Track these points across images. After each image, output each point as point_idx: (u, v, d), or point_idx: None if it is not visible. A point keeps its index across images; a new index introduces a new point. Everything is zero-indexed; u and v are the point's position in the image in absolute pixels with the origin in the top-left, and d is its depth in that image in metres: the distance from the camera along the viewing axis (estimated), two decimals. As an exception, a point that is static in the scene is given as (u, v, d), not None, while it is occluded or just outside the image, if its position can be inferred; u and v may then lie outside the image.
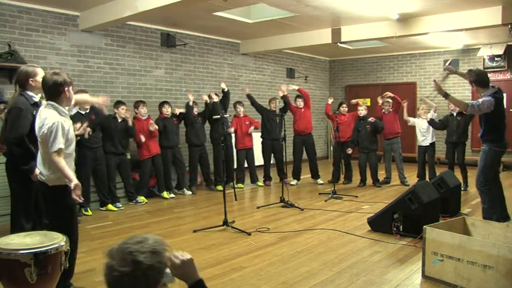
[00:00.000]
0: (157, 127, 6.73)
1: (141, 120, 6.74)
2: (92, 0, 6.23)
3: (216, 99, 7.38)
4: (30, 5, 6.27)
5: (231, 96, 7.92)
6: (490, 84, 4.70)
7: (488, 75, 4.99)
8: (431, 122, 7.31)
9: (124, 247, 1.45)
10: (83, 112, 5.79)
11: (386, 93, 7.91)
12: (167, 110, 7.03)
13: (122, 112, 6.34)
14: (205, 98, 7.45)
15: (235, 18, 7.55)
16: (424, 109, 7.72)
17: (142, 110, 6.76)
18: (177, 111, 7.22)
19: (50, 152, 2.89)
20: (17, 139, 3.43)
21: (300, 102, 8.04)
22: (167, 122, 6.99)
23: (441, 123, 7.36)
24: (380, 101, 8.06)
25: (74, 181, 2.92)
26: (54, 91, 2.95)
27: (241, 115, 7.86)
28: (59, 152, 2.90)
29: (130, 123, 6.43)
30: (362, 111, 7.79)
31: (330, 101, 8.28)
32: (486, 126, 4.69)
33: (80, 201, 3.00)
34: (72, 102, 3.24)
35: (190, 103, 7.18)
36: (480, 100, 4.55)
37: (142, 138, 6.61)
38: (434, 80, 5.00)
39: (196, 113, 7.39)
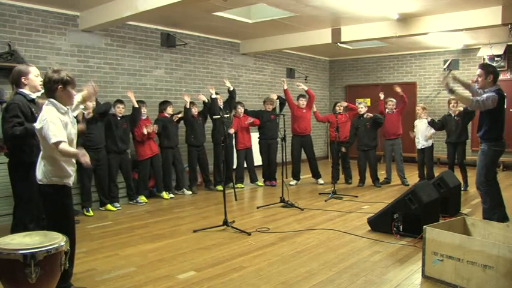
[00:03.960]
0: (152, 130, 6.65)
1: (141, 119, 6.73)
2: (92, 0, 6.23)
3: (214, 94, 7.32)
4: (30, 5, 6.27)
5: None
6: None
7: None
8: (431, 123, 7.33)
9: None
10: (86, 112, 5.72)
11: (396, 87, 7.83)
12: (171, 110, 7.05)
13: (120, 111, 6.34)
14: (202, 97, 7.43)
15: (235, 18, 7.55)
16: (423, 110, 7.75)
17: (142, 110, 6.76)
18: (175, 117, 7.16)
19: (49, 145, 2.88)
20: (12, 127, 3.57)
21: (303, 102, 8.04)
22: (167, 122, 6.99)
23: (440, 123, 7.38)
24: (381, 96, 7.95)
25: (78, 153, 2.91)
26: (49, 87, 2.98)
27: (241, 116, 7.86)
28: (58, 144, 2.86)
29: (135, 103, 6.42)
30: (362, 108, 7.77)
31: (315, 108, 8.20)
32: (486, 125, 4.68)
33: (88, 166, 3.07)
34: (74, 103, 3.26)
35: (187, 105, 7.16)
36: (485, 96, 4.55)
37: (145, 131, 6.57)
38: (444, 77, 5.07)
39: (196, 112, 7.38)
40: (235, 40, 9.61)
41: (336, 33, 8.37)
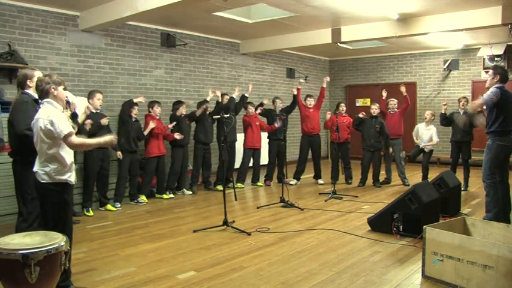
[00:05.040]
0: (182, 136, 6.92)
1: (154, 119, 6.75)
2: (92, 0, 6.23)
3: (235, 93, 7.60)
4: (30, 5, 6.27)
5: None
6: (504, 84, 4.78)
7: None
8: (442, 116, 7.29)
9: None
10: (95, 111, 5.67)
11: (402, 87, 8.03)
12: (184, 110, 7.12)
13: (135, 112, 6.43)
14: (218, 93, 7.43)
15: (235, 18, 7.55)
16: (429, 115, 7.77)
17: (157, 110, 6.79)
18: (198, 112, 7.29)
19: (62, 139, 2.98)
20: (28, 128, 3.51)
21: (311, 102, 8.04)
22: (180, 121, 7.04)
23: (448, 119, 7.33)
24: (384, 94, 8.08)
25: (105, 139, 3.19)
26: (42, 89, 3.12)
27: (252, 115, 7.84)
28: (70, 134, 2.98)
29: (146, 132, 6.57)
30: (375, 110, 7.77)
31: (328, 116, 8.17)
32: (492, 118, 4.73)
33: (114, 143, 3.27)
34: (77, 103, 3.33)
35: (208, 98, 7.30)
36: (489, 91, 4.69)
37: (177, 136, 6.87)
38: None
39: (207, 112, 7.43)
40: (235, 40, 9.61)
41: (336, 33, 8.37)
